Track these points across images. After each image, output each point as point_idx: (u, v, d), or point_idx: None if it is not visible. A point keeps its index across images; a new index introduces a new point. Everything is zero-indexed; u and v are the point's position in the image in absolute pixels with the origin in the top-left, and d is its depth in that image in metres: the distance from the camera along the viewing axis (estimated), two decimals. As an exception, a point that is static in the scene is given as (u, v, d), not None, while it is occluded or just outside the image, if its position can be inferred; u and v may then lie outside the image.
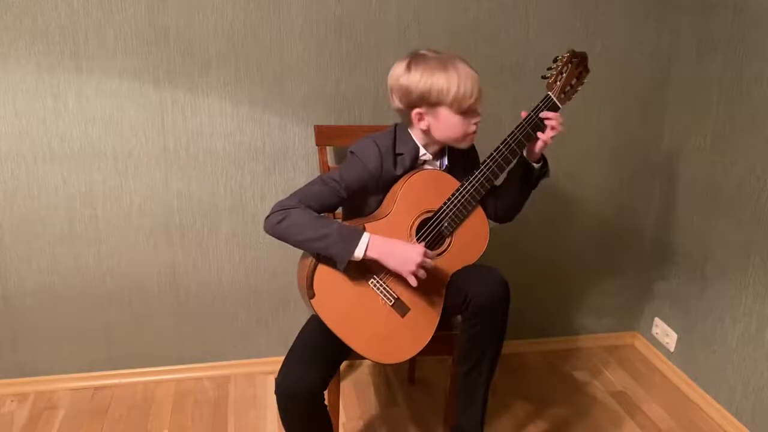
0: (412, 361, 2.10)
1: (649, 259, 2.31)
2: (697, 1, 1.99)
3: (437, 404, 2.02)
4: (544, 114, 1.49)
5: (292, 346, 1.45)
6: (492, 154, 1.48)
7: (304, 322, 1.53)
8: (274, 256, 2.06)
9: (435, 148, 1.53)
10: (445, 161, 1.56)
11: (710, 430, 1.95)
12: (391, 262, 1.38)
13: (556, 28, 2.00)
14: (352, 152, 1.48)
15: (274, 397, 1.38)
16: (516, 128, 1.49)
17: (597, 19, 2.01)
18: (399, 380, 2.15)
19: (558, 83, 1.52)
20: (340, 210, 1.63)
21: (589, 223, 2.25)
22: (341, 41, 1.89)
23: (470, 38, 1.95)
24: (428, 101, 1.43)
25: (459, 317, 1.48)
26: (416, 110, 1.45)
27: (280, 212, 1.40)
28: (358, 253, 1.36)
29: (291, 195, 1.43)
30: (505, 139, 1.49)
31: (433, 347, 1.49)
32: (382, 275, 1.44)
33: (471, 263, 1.51)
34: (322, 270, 1.40)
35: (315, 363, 1.41)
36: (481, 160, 1.50)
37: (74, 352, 2.04)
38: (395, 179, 1.49)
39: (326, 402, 1.45)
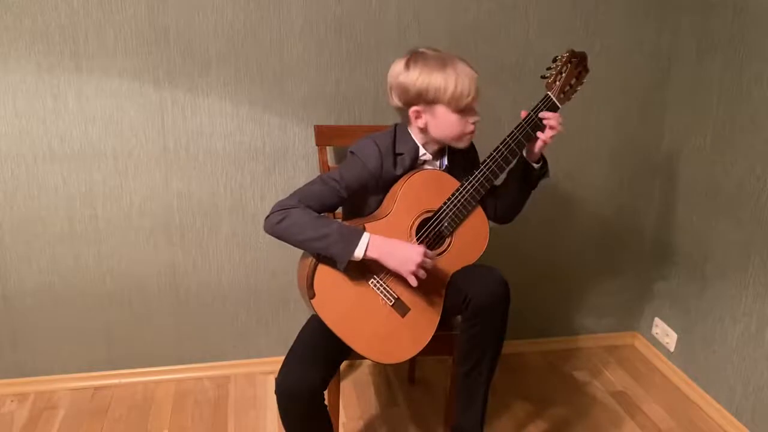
0: (412, 361, 2.10)
1: (649, 259, 2.31)
2: (697, 1, 1.99)
3: (437, 404, 2.02)
4: (542, 114, 1.49)
5: (292, 346, 1.45)
6: (492, 154, 1.48)
7: (304, 322, 1.53)
8: (274, 256, 2.06)
9: (434, 147, 1.53)
10: (445, 161, 1.56)
11: (710, 430, 1.95)
12: (391, 262, 1.38)
13: (556, 28, 2.00)
14: (352, 152, 1.48)
15: (274, 397, 1.38)
16: (516, 128, 1.49)
17: (597, 19, 2.01)
18: (399, 380, 2.15)
19: (557, 83, 1.52)
20: (340, 210, 1.63)
21: (589, 223, 2.25)
22: (341, 41, 1.89)
23: (470, 38, 1.95)
24: (425, 99, 1.43)
25: (459, 317, 1.48)
26: (414, 108, 1.46)
27: (280, 212, 1.40)
28: (358, 253, 1.36)
29: (291, 195, 1.44)
30: (505, 139, 1.49)
31: (433, 347, 1.49)
32: (382, 275, 1.44)
33: (471, 263, 1.51)
34: (323, 270, 1.40)
35: (315, 363, 1.41)
36: (481, 160, 1.50)
37: (74, 352, 2.04)
38: (395, 179, 1.49)
39: (326, 402, 1.45)
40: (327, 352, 1.44)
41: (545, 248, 2.25)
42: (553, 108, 1.51)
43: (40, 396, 2.03)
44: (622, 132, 2.16)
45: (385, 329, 1.45)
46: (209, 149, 1.93)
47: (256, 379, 2.14)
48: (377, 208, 1.51)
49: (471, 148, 1.61)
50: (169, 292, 2.04)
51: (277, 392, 1.37)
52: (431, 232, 1.48)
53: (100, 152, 1.87)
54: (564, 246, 2.26)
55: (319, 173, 1.87)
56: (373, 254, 1.37)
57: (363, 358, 1.46)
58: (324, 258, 1.39)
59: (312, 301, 1.39)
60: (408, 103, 1.46)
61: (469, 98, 1.43)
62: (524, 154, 1.54)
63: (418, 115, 1.47)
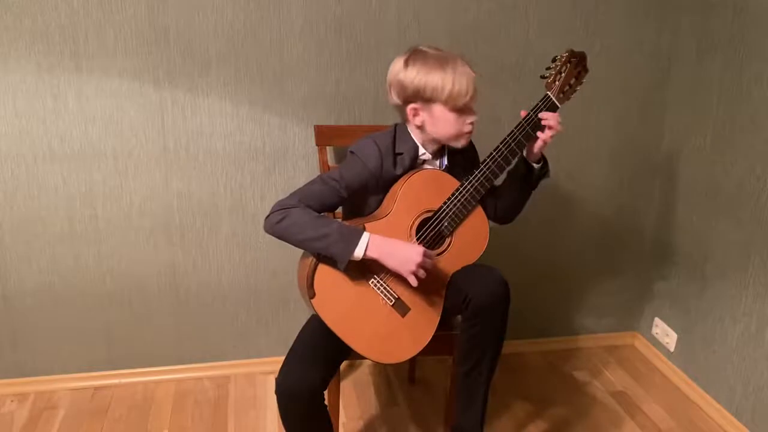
0: (413, 361, 2.10)
1: (649, 259, 2.31)
2: (697, 1, 1.99)
3: (437, 404, 2.02)
4: (541, 114, 1.49)
5: (292, 346, 1.45)
6: (492, 153, 1.48)
7: (304, 322, 1.53)
8: (274, 256, 2.06)
9: (433, 147, 1.53)
10: (445, 161, 1.56)
11: (710, 430, 1.95)
12: (391, 262, 1.38)
13: (556, 28, 2.00)
14: (352, 152, 1.48)
15: (274, 397, 1.38)
16: (515, 128, 1.49)
17: (597, 19, 2.01)
18: (399, 380, 2.15)
19: (557, 83, 1.52)
20: (340, 210, 1.63)
21: (589, 223, 2.25)
22: (341, 41, 1.89)
23: (470, 38, 1.95)
24: (423, 97, 1.43)
25: (459, 317, 1.48)
26: (411, 105, 1.46)
27: (280, 212, 1.40)
28: (358, 252, 1.36)
29: (291, 194, 1.44)
30: (505, 139, 1.49)
31: (433, 347, 1.49)
32: (382, 275, 1.44)
33: (471, 263, 1.51)
34: (323, 270, 1.40)
35: (315, 363, 1.41)
36: (481, 160, 1.50)
37: (74, 352, 2.04)
38: (395, 179, 1.49)
39: (326, 402, 1.45)
40: (327, 352, 1.44)
41: (545, 248, 2.25)
42: (553, 108, 1.51)
43: (40, 396, 2.03)
44: (622, 132, 2.16)
45: (386, 329, 1.45)
46: (209, 149, 1.93)
47: (256, 379, 2.14)
48: (377, 207, 1.51)
49: (471, 148, 1.61)
50: (169, 292, 2.04)
51: (277, 392, 1.37)
52: (431, 232, 1.48)
53: (100, 152, 1.87)
54: (564, 246, 2.26)
55: (319, 173, 1.86)
56: (373, 254, 1.37)
57: (363, 358, 1.46)
58: (324, 258, 1.39)
59: (312, 300, 1.39)
60: (406, 101, 1.47)
61: (467, 98, 1.43)
62: (524, 154, 1.54)
63: (415, 113, 1.47)
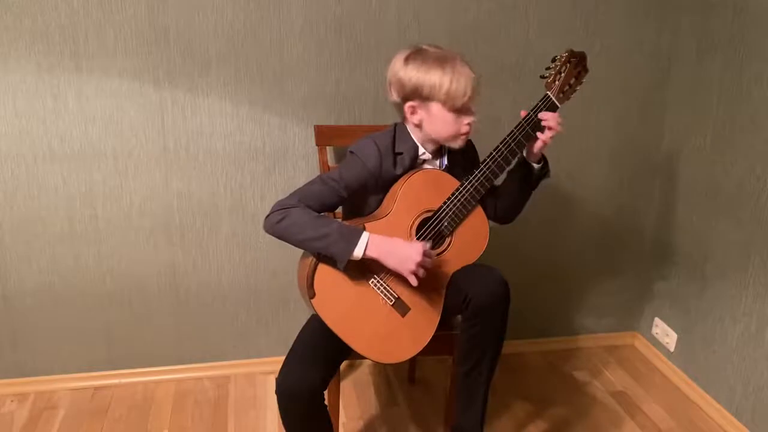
0: (413, 361, 2.10)
1: (649, 259, 2.31)
2: (697, 1, 1.99)
3: (437, 404, 2.02)
4: (541, 115, 1.49)
5: (292, 346, 1.45)
6: (492, 153, 1.48)
7: (304, 321, 1.53)
8: (274, 256, 2.06)
9: (433, 146, 1.53)
10: (445, 161, 1.56)
11: (710, 430, 1.95)
12: (390, 261, 1.38)
13: (556, 28, 2.00)
14: (351, 152, 1.48)
15: (275, 397, 1.38)
16: (515, 128, 1.49)
17: (597, 19, 2.01)
18: (399, 380, 2.15)
19: (557, 83, 1.52)
20: (340, 210, 1.63)
21: (589, 223, 2.25)
22: (341, 41, 1.89)
23: (470, 38, 1.95)
24: (421, 95, 1.43)
25: (459, 317, 1.48)
26: (409, 103, 1.46)
27: (280, 211, 1.40)
28: (358, 252, 1.36)
29: (291, 194, 1.44)
30: (505, 139, 1.49)
31: (433, 347, 1.49)
32: (382, 275, 1.44)
33: (471, 263, 1.51)
34: (323, 269, 1.40)
35: (315, 363, 1.41)
36: (481, 160, 1.50)
37: (74, 352, 2.04)
38: (395, 179, 1.49)
39: (326, 402, 1.45)
40: (327, 352, 1.44)
41: (545, 248, 2.25)
42: (553, 108, 1.51)
43: (40, 396, 2.03)
44: (622, 132, 2.16)
45: (385, 329, 1.45)
46: (209, 149, 1.93)
47: (256, 379, 2.14)
48: (377, 207, 1.51)
49: (471, 148, 1.61)
50: (169, 292, 2.04)
51: (277, 392, 1.37)
52: (431, 232, 1.48)
53: (100, 152, 1.87)
54: (564, 246, 2.26)
55: (319, 173, 1.86)
56: (372, 253, 1.37)
57: (363, 358, 1.46)
58: (324, 257, 1.39)
59: (312, 300, 1.39)
60: (404, 98, 1.47)
61: (465, 98, 1.43)
62: (524, 154, 1.54)
63: (413, 111, 1.47)
